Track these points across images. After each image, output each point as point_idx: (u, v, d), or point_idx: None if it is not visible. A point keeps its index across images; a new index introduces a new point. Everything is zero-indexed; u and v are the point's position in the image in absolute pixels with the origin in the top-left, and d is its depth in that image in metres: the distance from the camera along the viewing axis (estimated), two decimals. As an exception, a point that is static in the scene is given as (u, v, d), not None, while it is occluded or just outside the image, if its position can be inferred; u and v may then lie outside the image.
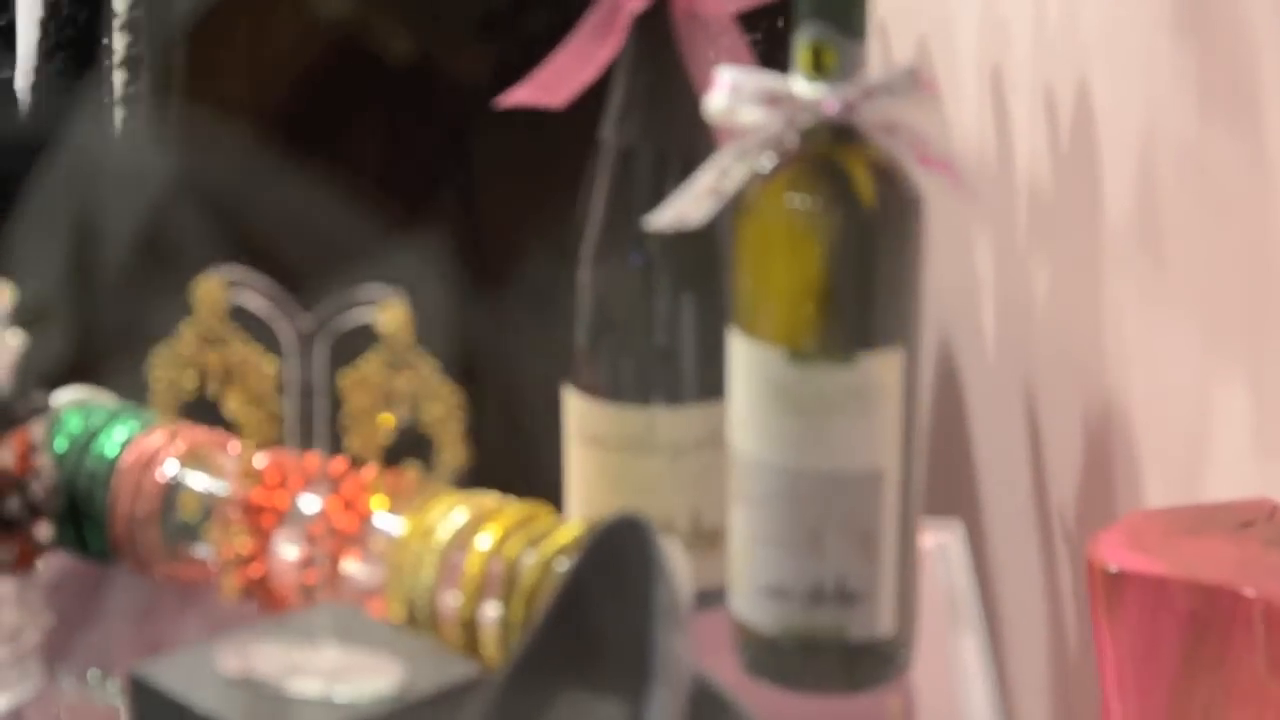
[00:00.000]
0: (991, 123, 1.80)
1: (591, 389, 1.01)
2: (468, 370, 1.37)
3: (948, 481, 1.91)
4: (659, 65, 0.98)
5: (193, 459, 0.97)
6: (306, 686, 0.85)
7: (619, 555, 0.80)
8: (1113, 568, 1.00)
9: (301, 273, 1.33)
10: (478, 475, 1.30)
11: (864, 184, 0.92)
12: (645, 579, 0.79)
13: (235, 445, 0.96)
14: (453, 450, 0.85)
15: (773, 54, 1.07)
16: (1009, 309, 1.81)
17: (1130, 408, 1.60)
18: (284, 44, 1.38)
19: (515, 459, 1.28)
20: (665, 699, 0.76)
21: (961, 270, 1.88)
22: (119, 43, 1.41)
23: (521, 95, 1.00)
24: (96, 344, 1.46)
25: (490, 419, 1.37)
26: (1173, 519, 1.10)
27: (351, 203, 1.39)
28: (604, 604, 0.80)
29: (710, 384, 0.99)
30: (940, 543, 1.09)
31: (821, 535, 0.92)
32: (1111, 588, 1.00)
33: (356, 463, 0.93)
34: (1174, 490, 1.52)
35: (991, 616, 1.68)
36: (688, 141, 0.98)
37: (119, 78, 1.44)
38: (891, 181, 0.92)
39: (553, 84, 0.99)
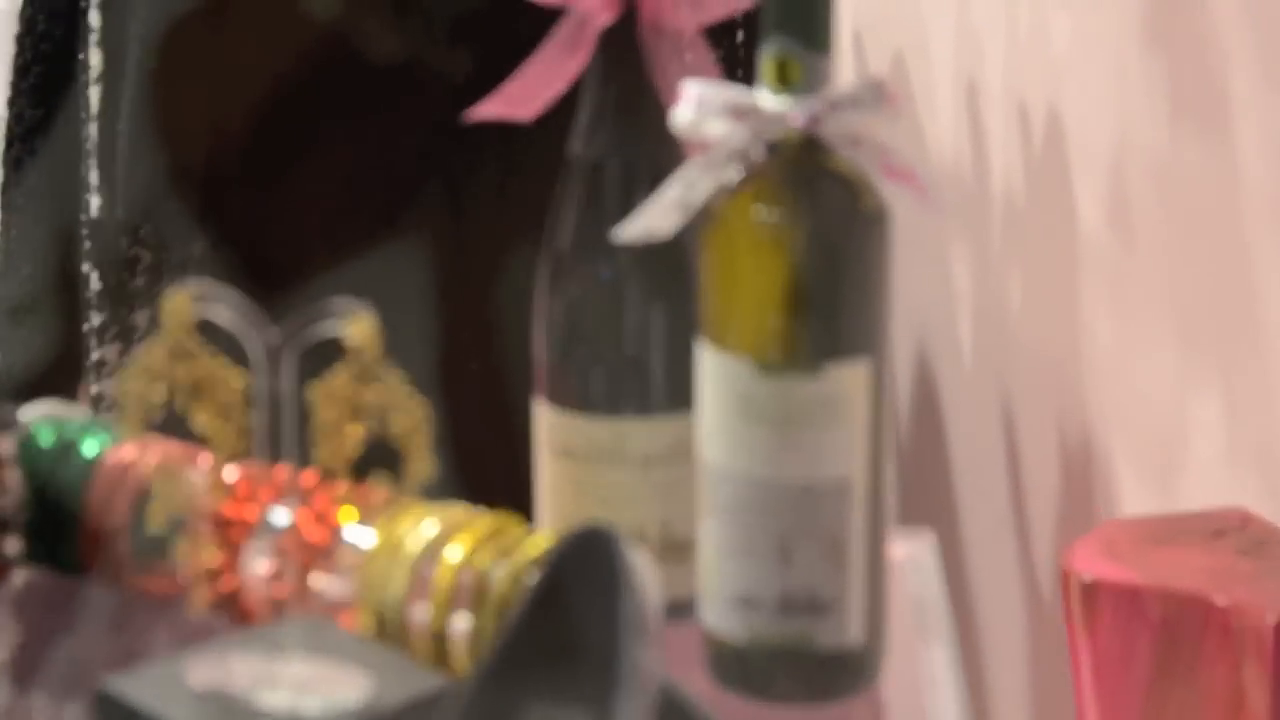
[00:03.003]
0: (966, 135, 1.80)
1: (561, 400, 1.01)
2: (445, 379, 1.38)
3: (925, 491, 1.91)
4: (626, 79, 0.99)
5: (163, 473, 0.97)
6: (275, 699, 0.86)
7: (587, 565, 0.81)
8: (1087, 577, 1.01)
9: (280, 281, 1.33)
10: (455, 486, 1.30)
11: (830, 196, 0.92)
12: (613, 589, 0.80)
13: (205, 459, 0.97)
14: (421, 462, 0.85)
15: (731, 72, 1.08)
16: (984, 319, 1.82)
17: (1105, 417, 1.60)
18: (260, 54, 1.38)
19: (494, 469, 1.28)
20: (632, 709, 0.77)
21: (937, 281, 1.88)
22: (95, 58, 1.41)
23: (490, 109, 1.00)
24: (75, 351, 1.47)
25: (470, 429, 1.37)
26: (1146, 528, 1.11)
27: (330, 211, 1.39)
28: (571, 614, 0.81)
29: (680, 395, 0.99)
30: (911, 553, 1.10)
31: (790, 545, 0.93)
32: (1085, 597, 1.01)
33: (325, 475, 0.94)
34: (1149, 499, 1.52)
35: (968, 625, 1.69)
36: (655, 154, 0.99)
37: (95, 93, 1.44)
38: (857, 194, 0.92)
39: (521, 97, 0.99)
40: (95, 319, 1.42)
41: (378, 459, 0.87)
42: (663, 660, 0.81)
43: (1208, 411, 1.45)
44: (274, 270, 1.36)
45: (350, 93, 1.37)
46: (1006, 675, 1.60)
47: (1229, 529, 1.09)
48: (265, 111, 1.38)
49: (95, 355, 1.42)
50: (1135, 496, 1.55)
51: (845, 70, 2.00)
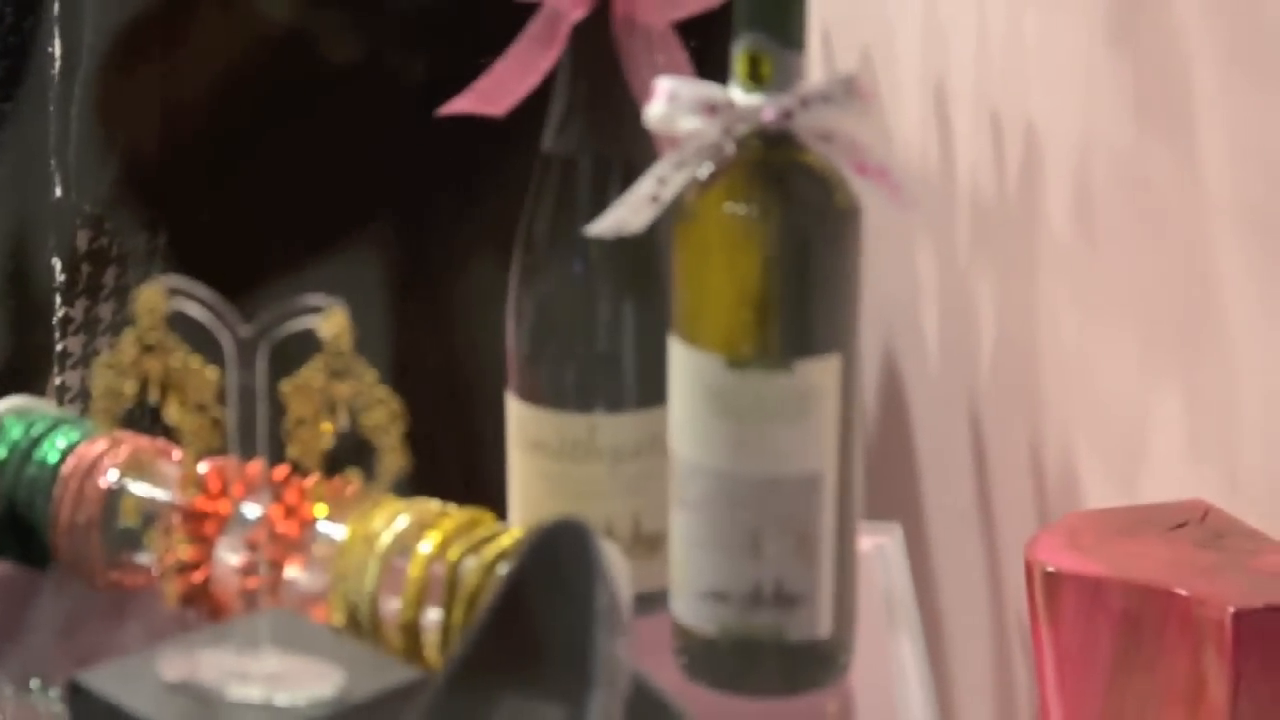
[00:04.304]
0: (934, 132, 1.81)
1: (533, 395, 1.01)
2: (413, 375, 1.37)
3: (892, 485, 1.92)
4: (599, 74, 0.99)
5: (134, 467, 0.97)
6: (246, 692, 0.86)
7: (558, 558, 0.81)
8: (1049, 568, 1.02)
9: (241, 276, 1.33)
10: (427, 482, 1.30)
11: (801, 192, 0.93)
12: (585, 582, 0.80)
13: (178, 453, 0.97)
14: (393, 457, 0.85)
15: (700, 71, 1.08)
16: (951, 316, 1.82)
17: (1069, 412, 1.61)
18: (217, 45, 1.38)
19: (465, 465, 1.28)
20: (604, 701, 0.77)
21: (904, 277, 1.89)
22: (59, 49, 1.41)
23: (462, 104, 1.00)
24: (45, 344, 1.46)
25: (438, 424, 1.37)
26: (1108, 520, 1.11)
27: (291, 205, 1.39)
28: (543, 607, 0.81)
29: (651, 390, 0.99)
30: (878, 545, 1.10)
31: (760, 538, 0.93)
32: (1048, 588, 1.02)
33: (298, 470, 0.94)
34: (1112, 492, 1.53)
35: (935, 616, 1.70)
36: (628, 150, 0.99)
37: (59, 82, 1.43)
38: (829, 189, 0.93)
39: (493, 93, 1.00)
40: (60, 310, 1.42)
41: (351, 454, 0.88)
42: (634, 653, 0.82)
43: (1169, 406, 1.46)
44: (235, 265, 1.36)
45: (311, 87, 1.37)
46: (971, 665, 1.61)
47: (1189, 521, 1.10)
48: (224, 104, 1.38)
49: (60, 346, 1.42)
50: (1099, 489, 1.56)
51: (814, 68, 2.00)
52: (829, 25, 2.01)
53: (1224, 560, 1.02)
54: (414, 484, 1.29)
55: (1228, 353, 1.41)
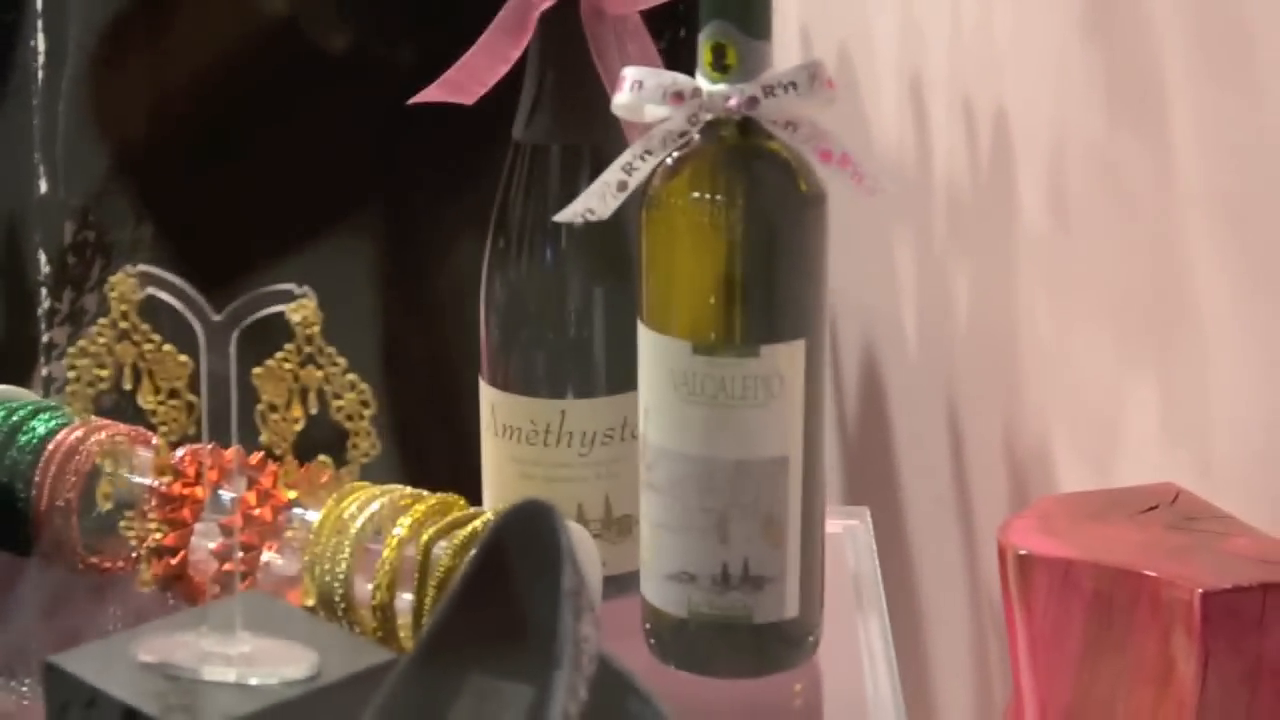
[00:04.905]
0: (910, 123, 1.82)
1: (505, 381, 1.02)
2: (400, 363, 1.38)
3: (870, 471, 1.93)
4: (568, 63, 1.00)
5: (112, 452, 0.99)
6: (220, 674, 0.87)
7: (525, 540, 0.82)
8: (1022, 551, 1.02)
9: (226, 265, 1.34)
10: (415, 469, 1.30)
11: (766, 179, 0.94)
12: (551, 563, 0.81)
13: (154, 439, 0.98)
14: (363, 443, 0.86)
15: (673, 65, 1.09)
16: (928, 304, 1.83)
17: (1044, 398, 1.62)
18: (203, 37, 1.39)
19: (453, 452, 1.29)
20: (569, 681, 0.78)
21: (882, 267, 1.90)
22: (41, 42, 1.42)
23: (433, 93, 1.01)
24: (31, 334, 1.47)
25: (426, 412, 1.38)
26: (1081, 503, 1.12)
27: (276, 196, 1.39)
28: (510, 588, 0.82)
29: (621, 375, 1.01)
30: (848, 528, 1.11)
31: (727, 521, 0.94)
32: (1021, 570, 1.03)
33: (270, 456, 0.95)
34: (1086, 476, 1.54)
35: (912, 601, 1.71)
36: (597, 138, 1.00)
37: (44, 77, 1.44)
38: (793, 176, 0.94)
39: (464, 82, 1.01)
40: (46, 302, 1.42)
41: (321, 440, 0.89)
42: (603, 634, 0.83)
43: (1143, 392, 1.47)
44: (221, 255, 1.37)
45: (297, 77, 1.38)
46: (948, 648, 1.62)
47: (1160, 504, 1.11)
48: (210, 95, 1.39)
49: (46, 338, 1.42)
50: (1073, 474, 1.57)
51: (792, 61, 2.01)
52: (807, 20, 2.02)
53: (1194, 542, 1.03)
54: (402, 471, 1.30)
55: (1199, 339, 1.43)
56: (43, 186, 1.44)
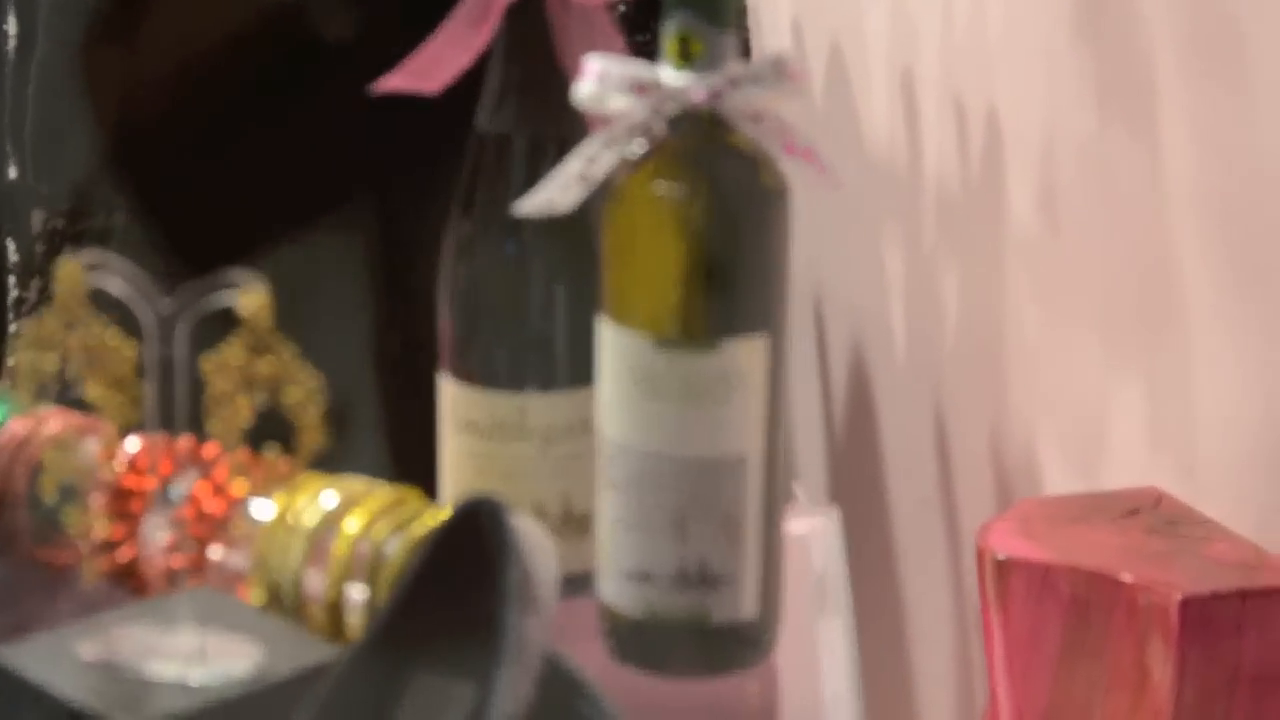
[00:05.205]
0: (901, 122, 1.81)
1: (465, 375, 1.01)
2: (383, 358, 1.37)
3: (858, 472, 1.92)
4: (532, 53, 0.99)
5: (55, 444, 0.97)
6: (163, 670, 0.86)
7: (473, 536, 0.81)
8: (1000, 554, 1.02)
9: (204, 256, 1.33)
10: (396, 463, 1.29)
11: (729, 172, 0.92)
12: (498, 560, 0.80)
13: (104, 430, 0.96)
14: (312, 434, 0.85)
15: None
16: (916, 304, 1.82)
17: (1031, 399, 1.61)
18: (185, 29, 1.38)
19: (420, 447, 1.28)
20: (513, 678, 0.77)
21: (871, 267, 1.89)
22: (14, 28, 1.40)
23: (396, 81, 1.00)
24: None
25: (406, 406, 1.37)
26: (1062, 506, 1.11)
27: (255, 186, 1.38)
28: (456, 584, 0.81)
29: (583, 371, 0.99)
30: (813, 527, 1.10)
31: (685, 519, 0.93)
32: (999, 574, 1.02)
33: (218, 446, 0.94)
34: (1072, 479, 1.53)
35: (897, 604, 1.70)
36: (561, 129, 0.99)
37: (15, 61, 1.43)
38: (757, 170, 0.92)
39: (428, 70, 0.99)
40: (14, 291, 1.41)
41: (270, 431, 0.87)
42: (550, 631, 0.81)
43: (1129, 395, 1.46)
44: (196, 245, 1.36)
45: (277, 67, 1.36)
46: (932, 651, 1.61)
47: (1142, 508, 1.10)
48: (187, 84, 1.37)
49: (14, 328, 1.41)
50: (1059, 476, 1.56)
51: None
52: (800, 14, 2.00)
53: (1174, 547, 1.02)
54: (390, 465, 1.28)
55: (1186, 341, 1.41)
56: (11, 173, 1.43)
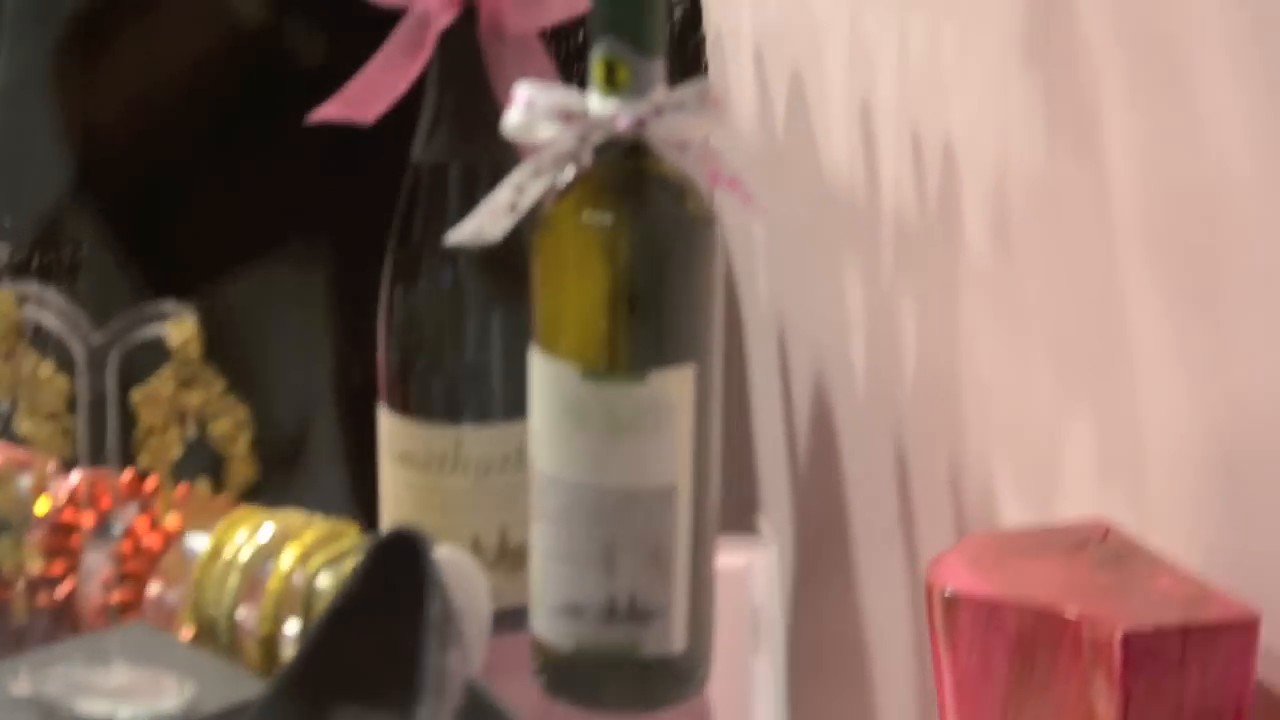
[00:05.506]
0: (859, 152, 1.81)
1: (402, 407, 1.01)
2: (346, 388, 1.37)
3: (819, 506, 1.92)
4: (466, 81, 0.99)
5: (-7, 478, 0.97)
6: (93, 707, 0.85)
7: (395, 569, 0.80)
8: (948, 590, 1.01)
9: (162, 288, 1.32)
10: (356, 496, 1.28)
11: (655, 200, 0.92)
12: (419, 593, 0.79)
13: (39, 463, 0.96)
14: (241, 466, 0.85)
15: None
16: (875, 336, 1.82)
17: (986, 431, 1.61)
18: (148, 62, 1.38)
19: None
20: (433, 713, 0.76)
21: (831, 299, 1.89)
22: None
23: (330, 111, 1.00)
24: None
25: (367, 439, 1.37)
26: (1011, 541, 1.11)
27: (221, 221, 1.38)
28: (377, 618, 0.80)
29: (519, 402, 0.99)
30: (749, 561, 1.10)
31: (614, 552, 0.93)
32: (946, 610, 1.01)
33: (147, 478, 0.93)
34: (1027, 511, 1.53)
35: (857, 637, 1.70)
36: (495, 158, 0.99)
37: None
38: (683, 198, 0.92)
39: (362, 99, 0.99)
40: None
41: (200, 463, 0.87)
42: (473, 664, 0.81)
43: (1080, 427, 1.46)
44: (161, 278, 1.36)
45: (242, 97, 1.36)
46: (886, 685, 1.61)
47: (1090, 541, 1.10)
48: (150, 117, 1.37)
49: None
50: (1014, 509, 1.56)
51: (746, 85, 2.00)
52: (760, 42, 2.01)
53: (1120, 581, 1.02)
54: (343, 498, 1.28)
55: (1135, 373, 1.41)
56: None
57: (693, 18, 1.47)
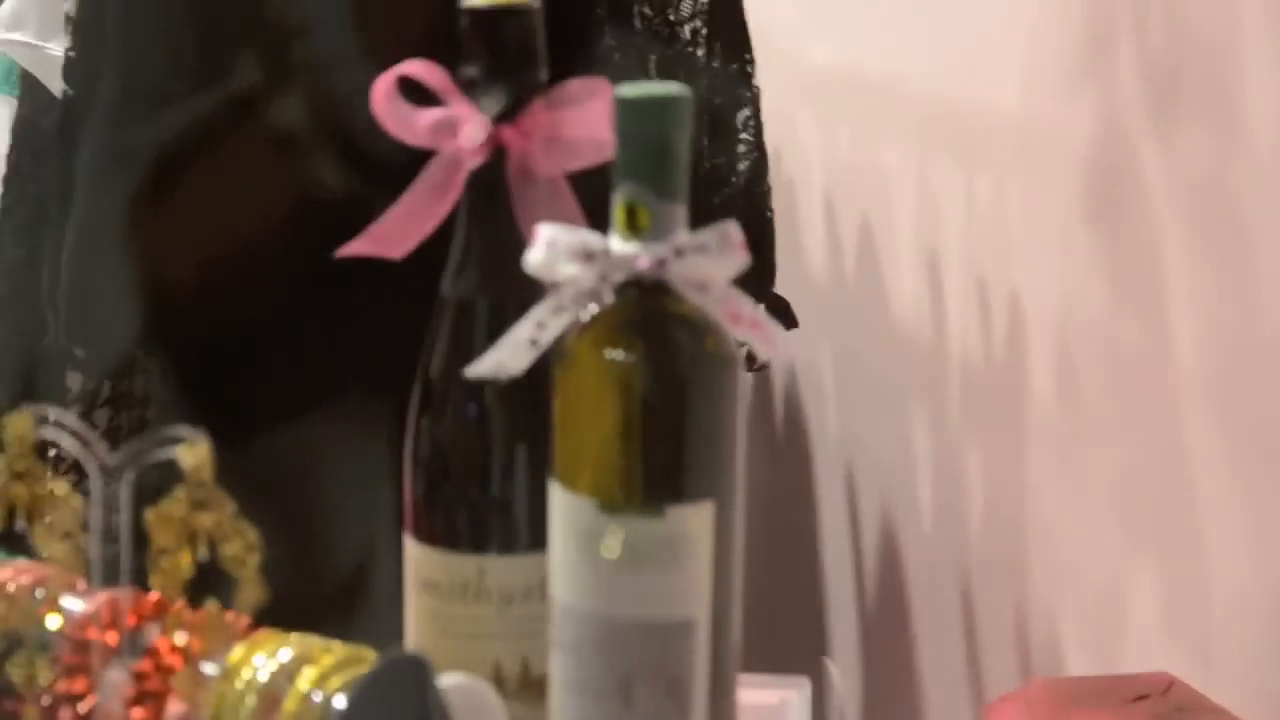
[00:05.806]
0: (927, 301, 1.81)
1: (427, 536, 1.02)
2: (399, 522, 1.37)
3: (885, 644, 1.90)
4: (494, 221, 1.00)
5: (8, 595, 0.98)
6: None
7: (394, 693, 0.81)
8: (1001, 736, 1.00)
9: (237, 420, 1.34)
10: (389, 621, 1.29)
11: (674, 339, 0.93)
12: (420, 717, 0.80)
13: (55, 580, 0.97)
14: (251, 588, 0.86)
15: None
16: (942, 480, 1.81)
17: (1051, 581, 1.60)
18: (229, 204, 1.40)
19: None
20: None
21: (900, 441, 1.89)
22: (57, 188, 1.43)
23: (360, 246, 1.02)
24: None
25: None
26: (1072, 688, 1.10)
27: (291, 358, 1.40)
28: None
29: (542, 534, 0.99)
30: (783, 699, 1.09)
31: (631, 684, 0.93)
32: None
33: (160, 599, 0.94)
34: (1091, 659, 1.51)
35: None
36: (521, 295, 1.00)
37: (54, 230, 1.46)
38: (703, 338, 0.93)
39: (392, 236, 1.01)
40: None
41: (209, 585, 0.88)
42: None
43: (1144, 578, 1.45)
44: (230, 414, 1.37)
45: (318, 252, 1.38)
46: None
47: (1152, 693, 1.09)
48: (228, 256, 1.39)
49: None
50: (1078, 656, 1.54)
51: (816, 233, 2.02)
52: (831, 191, 2.02)
53: (1178, 735, 1.01)
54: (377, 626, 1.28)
55: (1200, 525, 1.40)
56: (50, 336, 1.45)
57: (758, 169, 1.49)
